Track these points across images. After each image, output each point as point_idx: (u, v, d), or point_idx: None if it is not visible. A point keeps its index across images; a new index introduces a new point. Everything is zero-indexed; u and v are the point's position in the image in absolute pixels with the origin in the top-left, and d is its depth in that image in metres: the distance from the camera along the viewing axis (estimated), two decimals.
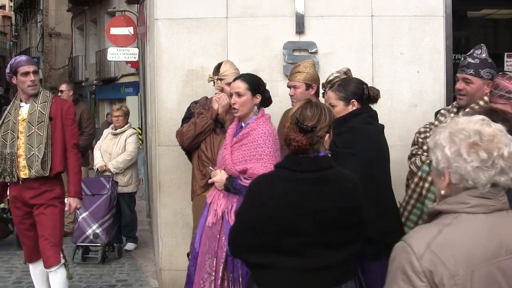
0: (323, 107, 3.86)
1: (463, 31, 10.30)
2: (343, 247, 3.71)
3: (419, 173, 5.35)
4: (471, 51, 5.43)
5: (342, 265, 3.72)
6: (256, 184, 3.78)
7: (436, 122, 5.59)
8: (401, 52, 7.15)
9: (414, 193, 5.39)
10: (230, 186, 5.24)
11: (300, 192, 3.59)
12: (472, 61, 5.32)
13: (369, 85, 5.23)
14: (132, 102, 19.58)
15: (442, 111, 5.68)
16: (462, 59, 5.43)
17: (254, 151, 5.18)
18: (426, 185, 5.27)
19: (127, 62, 16.69)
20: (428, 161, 5.26)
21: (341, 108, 4.95)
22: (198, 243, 5.47)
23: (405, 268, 2.50)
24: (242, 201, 3.88)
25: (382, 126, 5.10)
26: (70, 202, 6.47)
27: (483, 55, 5.34)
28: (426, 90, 7.13)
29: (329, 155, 3.91)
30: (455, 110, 5.46)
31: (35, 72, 6.39)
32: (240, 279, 5.16)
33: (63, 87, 11.27)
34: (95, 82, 34.82)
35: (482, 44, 5.45)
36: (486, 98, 5.25)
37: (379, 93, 5.29)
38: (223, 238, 5.25)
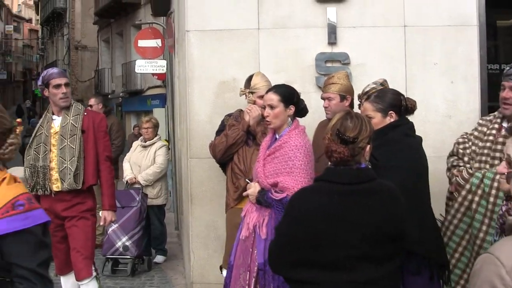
0: (363, 118, 3.80)
1: (493, 41, 10.18)
2: (386, 261, 3.63)
3: (467, 186, 5.20)
4: None
5: (385, 279, 3.64)
6: (297, 198, 3.73)
7: (476, 133, 5.50)
8: (435, 62, 7.05)
9: (462, 206, 5.23)
10: (262, 199, 5.19)
11: (343, 205, 3.55)
12: None
13: (405, 96, 5.15)
14: (158, 114, 19.58)
15: (481, 121, 5.56)
16: (508, 68, 5.25)
17: (285, 164, 5.11)
18: (476, 198, 5.11)
19: (153, 74, 16.72)
20: (477, 173, 5.15)
21: (378, 120, 4.86)
22: (234, 256, 5.43)
23: (494, 282, 2.39)
24: (283, 215, 3.82)
25: (421, 138, 5.01)
26: (105, 215, 6.46)
27: None
28: (460, 100, 7.03)
29: (370, 166, 3.85)
30: (498, 120, 5.31)
31: (67, 85, 6.39)
32: None
33: (92, 101, 11.29)
34: (121, 94, 34.94)
35: None
36: None
37: (415, 104, 5.18)
38: (255, 251, 5.21)
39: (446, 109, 7.04)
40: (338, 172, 3.65)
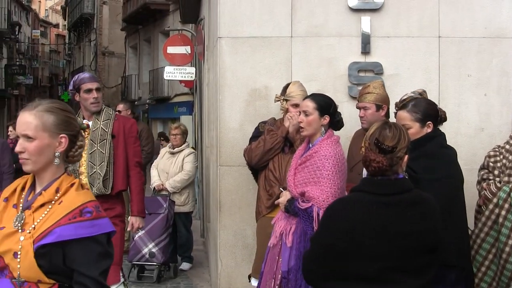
0: (401, 128, 3.77)
1: None
2: (421, 273, 3.59)
3: (495, 200, 5.17)
4: None
5: None
6: (335, 209, 3.68)
7: (507, 146, 5.45)
8: (469, 74, 6.98)
9: (489, 220, 5.19)
10: (289, 208, 5.17)
11: (382, 215, 3.50)
12: None
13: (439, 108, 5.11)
14: (185, 121, 19.59)
15: None
16: None
17: (313, 174, 5.09)
18: (503, 212, 5.09)
19: (181, 82, 16.70)
20: (505, 187, 5.11)
21: (416, 130, 4.81)
22: (264, 263, 5.44)
23: None
24: (320, 225, 3.76)
25: (455, 150, 4.97)
26: (133, 221, 6.43)
27: None
28: (494, 113, 6.95)
29: (406, 177, 3.79)
30: None
31: (98, 89, 6.38)
32: None
33: (120, 107, 11.31)
34: (148, 101, 35.05)
35: None
36: None
37: (445, 114, 5.16)
38: (281, 259, 5.18)
39: (478, 122, 6.96)
40: (376, 183, 3.60)
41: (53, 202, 3.14)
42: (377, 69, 6.94)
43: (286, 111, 6.15)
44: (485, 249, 5.20)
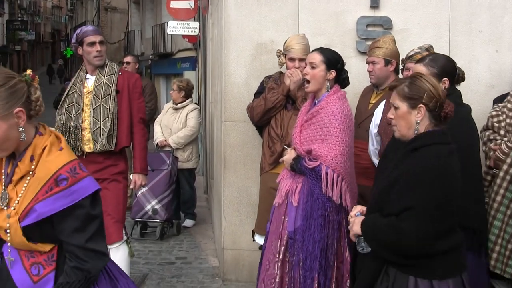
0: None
1: None
2: None
3: (508, 160, 5.05)
4: None
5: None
6: (444, 163, 3.59)
7: (509, 105, 5.37)
8: (480, 30, 6.82)
9: (504, 181, 5.10)
10: (296, 167, 5.05)
11: (458, 163, 3.65)
12: None
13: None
14: (188, 77, 19.42)
15: None
16: None
17: (320, 131, 4.96)
18: None
19: (184, 37, 16.54)
20: None
21: None
22: (270, 223, 5.33)
23: None
24: (429, 186, 3.53)
25: (469, 107, 4.83)
26: (136, 178, 6.31)
27: None
28: (505, 70, 6.80)
29: None
30: None
31: (102, 43, 6.22)
32: (300, 263, 4.96)
33: (130, 58, 11.23)
34: (151, 56, 34.82)
35: None
36: None
37: (464, 74, 5.01)
38: (286, 219, 5.07)
39: (489, 79, 6.82)
40: (443, 133, 3.70)
41: (30, 172, 3.01)
42: (386, 24, 6.77)
43: (282, 65, 6.08)
44: (502, 213, 5.09)
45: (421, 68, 4.78)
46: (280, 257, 5.08)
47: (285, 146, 5.51)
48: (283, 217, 5.12)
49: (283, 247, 5.07)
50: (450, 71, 4.76)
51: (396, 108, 3.75)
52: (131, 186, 6.36)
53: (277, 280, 5.08)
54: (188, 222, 10.26)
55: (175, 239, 9.50)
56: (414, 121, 3.69)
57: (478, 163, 4.70)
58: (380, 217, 3.67)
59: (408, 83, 3.74)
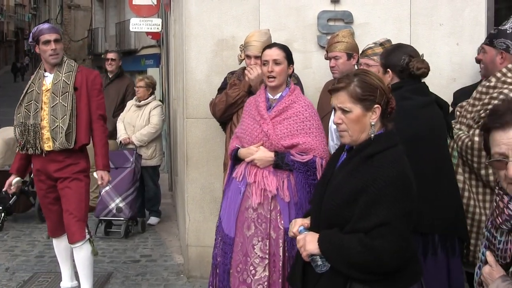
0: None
1: (504, 3, 9.97)
2: None
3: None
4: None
5: None
6: (407, 169, 3.37)
7: (472, 97, 5.36)
8: (441, 23, 6.84)
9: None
10: (282, 163, 4.89)
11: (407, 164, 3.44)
12: (493, 32, 5.31)
13: (419, 59, 4.75)
14: (152, 74, 19.30)
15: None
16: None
17: (301, 125, 4.91)
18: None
19: (147, 34, 16.51)
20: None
21: (381, 76, 4.58)
22: (234, 229, 5.05)
23: None
24: (398, 198, 3.28)
25: (427, 99, 4.70)
26: (102, 175, 6.22)
27: (506, 26, 5.18)
28: (466, 63, 6.81)
29: None
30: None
31: (57, 41, 6.13)
32: (291, 260, 4.83)
33: (114, 55, 11.22)
34: None
35: None
36: (504, 70, 5.05)
37: (423, 68, 4.75)
38: (278, 217, 4.91)
39: (450, 72, 6.84)
40: (394, 133, 3.52)
41: None
42: (347, 18, 6.77)
43: (242, 61, 6.10)
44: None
45: (368, 61, 4.78)
46: (279, 257, 4.89)
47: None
48: (269, 216, 4.92)
49: (280, 247, 4.88)
50: (394, 63, 4.63)
51: (346, 112, 3.42)
52: (99, 182, 6.27)
53: (265, 283, 4.86)
54: (152, 220, 10.22)
55: (140, 237, 9.46)
56: (369, 124, 3.42)
57: (431, 159, 4.56)
58: (341, 234, 3.35)
59: (357, 82, 3.42)
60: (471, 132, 5.01)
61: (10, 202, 9.89)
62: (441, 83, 6.75)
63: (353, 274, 3.30)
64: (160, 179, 10.82)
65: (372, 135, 3.41)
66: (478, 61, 5.57)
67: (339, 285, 3.35)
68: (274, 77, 5.05)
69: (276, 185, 4.92)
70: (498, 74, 5.04)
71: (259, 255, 4.88)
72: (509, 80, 4.98)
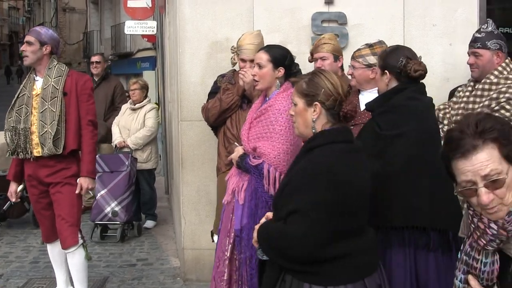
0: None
1: (495, 4, 9.99)
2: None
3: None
4: (479, 28, 5.71)
5: (376, 241, 3.63)
6: (335, 161, 3.37)
7: (454, 99, 5.63)
8: (434, 23, 6.85)
9: None
10: (241, 164, 4.99)
11: (360, 162, 3.46)
12: (479, 35, 5.54)
13: (417, 61, 4.73)
14: (148, 77, 19.36)
15: (459, 88, 5.79)
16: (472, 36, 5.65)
17: (265, 129, 4.89)
18: None
19: (143, 36, 16.48)
20: None
21: (378, 77, 4.59)
22: (221, 221, 5.30)
23: None
24: (314, 186, 3.34)
25: (430, 99, 4.71)
26: (81, 182, 6.09)
27: (489, 29, 5.52)
28: (459, 63, 6.80)
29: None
30: (472, 84, 5.59)
31: (28, 43, 6.08)
32: (248, 261, 4.91)
33: (98, 58, 11.20)
34: (110, 57, 34.64)
35: (488, 19, 5.68)
36: (500, 68, 5.42)
37: (420, 70, 4.73)
38: (232, 218, 5.05)
39: (444, 72, 6.85)
40: (343, 131, 3.53)
41: None
42: (341, 20, 6.77)
43: (234, 65, 6.10)
44: None
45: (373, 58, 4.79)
46: (228, 255, 5.05)
47: (236, 144, 5.44)
48: (231, 215, 5.08)
49: (230, 245, 5.05)
50: (392, 64, 4.61)
51: (295, 105, 3.65)
52: (77, 191, 6.15)
53: (225, 278, 5.05)
54: (149, 223, 10.20)
55: (136, 240, 9.44)
56: (310, 119, 3.57)
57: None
58: (271, 224, 3.56)
59: (307, 79, 3.62)
60: None
61: (4, 208, 9.88)
62: (435, 83, 6.73)
63: (280, 262, 3.46)
64: (157, 182, 10.82)
65: (314, 130, 3.53)
66: (470, 65, 5.62)
67: (276, 274, 3.49)
68: (257, 81, 5.09)
69: (235, 186, 5.02)
70: (496, 72, 5.38)
71: (222, 250, 5.13)
72: (511, 76, 5.37)
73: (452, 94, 6.08)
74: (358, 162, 3.44)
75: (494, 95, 5.27)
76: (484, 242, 2.65)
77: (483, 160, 2.51)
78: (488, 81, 5.38)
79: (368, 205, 3.47)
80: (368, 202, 3.47)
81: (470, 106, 5.41)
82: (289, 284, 3.41)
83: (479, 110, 5.22)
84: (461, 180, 2.60)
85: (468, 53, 5.63)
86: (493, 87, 5.34)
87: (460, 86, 5.86)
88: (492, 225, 2.59)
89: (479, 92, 5.40)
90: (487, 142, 2.51)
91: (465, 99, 5.48)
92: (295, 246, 3.31)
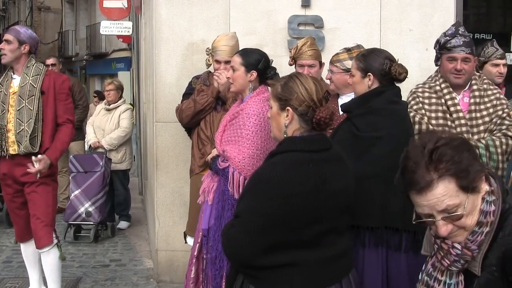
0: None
1: (470, 10, 10.07)
2: (346, 233, 3.52)
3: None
4: (453, 30, 5.30)
5: (348, 252, 3.53)
6: (279, 172, 3.29)
7: (427, 106, 5.40)
8: (410, 28, 6.89)
9: None
10: (212, 166, 5.01)
11: (319, 173, 3.28)
12: (465, 39, 5.22)
13: (397, 62, 4.75)
14: (124, 77, 19.31)
15: (420, 89, 5.56)
16: (449, 38, 5.27)
17: (234, 132, 4.87)
18: None
19: (118, 37, 16.42)
20: None
21: (358, 79, 4.58)
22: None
23: None
24: (256, 195, 3.32)
25: (406, 104, 4.75)
26: (39, 157, 5.90)
27: (466, 32, 5.30)
28: (435, 68, 6.82)
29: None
30: (446, 90, 5.35)
31: (7, 41, 6.06)
32: (217, 261, 4.86)
33: (54, 60, 11.01)
34: (85, 57, 34.54)
35: (458, 21, 5.61)
36: (477, 74, 5.38)
37: (402, 72, 4.74)
38: (203, 216, 5.06)
39: (420, 77, 6.80)
40: (308, 140, 3.40)
41: None
42: (317, 23, 6.79)
43: (209, 66, 6.09)
44: None
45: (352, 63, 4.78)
46: (195, 253, 5.09)
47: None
48: (202, 215, 5.11)
49: (197, 244, 5.08)
50: (376, 66, 4.62)
51: (271, 108, 3.57)
52: (28, 169, 5.89)
53: (192, 276, 5.10)
54: (122, 224, 10.17)
55: (109, 241, 9.40)
56: (283, 124, 3.48)
57: None
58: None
59: (283, 83, 3.52)
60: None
61: None
62: (409, 87, 6.73)
63: (231, 262, 3.55)
64: (130, 183, 10.79)
65: (285, 135, 3.47)
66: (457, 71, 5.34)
67: (233, 274, 3.51)
68: (231, 83, 5.10)
69: (205, 186, 5.04)
70: (476, 77, 5.33)
71: (193, 249, 5.20)
72: (486, 80, 5.39)
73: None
74: (314, 173, 3.28)
75: (495, 102, 5.21)
76: (448, 262, 2.63)
77: (439, 196, 2.46)
78: (475, 87, 5.28)
79: (337, 216, 3.37)
80: (337, 213, 3.36)
81: (474, 122, 5.23)
82: (239, 284, 3.42)
83: (439, 133, 5.08)
84: (419, 212, 2.57)
85: (454, 57, 5.24)
86: (485, 93, 5.27)
87: (418, 87, 5.63)
88: (456, 245, 2.57)
89: (472, 100, 5.26)
90: (443, 177, 2.46)
91: (458, 107, 5.25)
92: (234, 249, 3.36)
